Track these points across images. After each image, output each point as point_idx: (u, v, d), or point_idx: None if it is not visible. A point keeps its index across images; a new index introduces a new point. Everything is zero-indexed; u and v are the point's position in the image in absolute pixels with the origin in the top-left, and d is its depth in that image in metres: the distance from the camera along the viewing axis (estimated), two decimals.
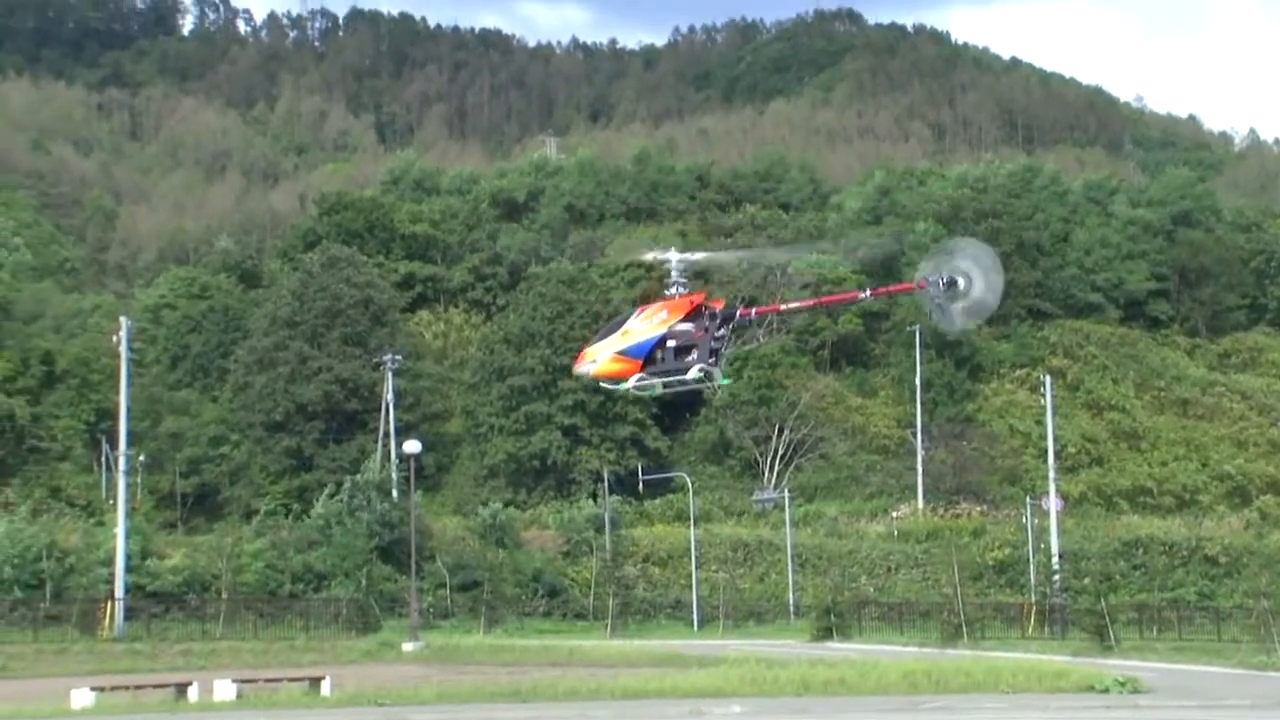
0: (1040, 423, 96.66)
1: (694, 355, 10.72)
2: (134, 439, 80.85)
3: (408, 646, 64.37)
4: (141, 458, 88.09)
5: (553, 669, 51.26)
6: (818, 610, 78.30)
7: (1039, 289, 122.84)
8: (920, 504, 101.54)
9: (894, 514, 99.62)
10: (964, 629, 70.21)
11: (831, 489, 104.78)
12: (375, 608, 76.44)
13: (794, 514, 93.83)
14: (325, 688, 42.02)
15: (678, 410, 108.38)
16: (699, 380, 11.03)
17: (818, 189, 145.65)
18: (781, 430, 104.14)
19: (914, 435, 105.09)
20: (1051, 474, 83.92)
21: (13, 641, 65.14)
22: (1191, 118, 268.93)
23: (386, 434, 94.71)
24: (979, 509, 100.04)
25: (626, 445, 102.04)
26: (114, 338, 79.51)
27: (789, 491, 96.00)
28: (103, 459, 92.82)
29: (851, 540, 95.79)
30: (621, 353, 11.08)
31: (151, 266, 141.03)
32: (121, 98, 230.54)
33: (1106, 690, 41.36)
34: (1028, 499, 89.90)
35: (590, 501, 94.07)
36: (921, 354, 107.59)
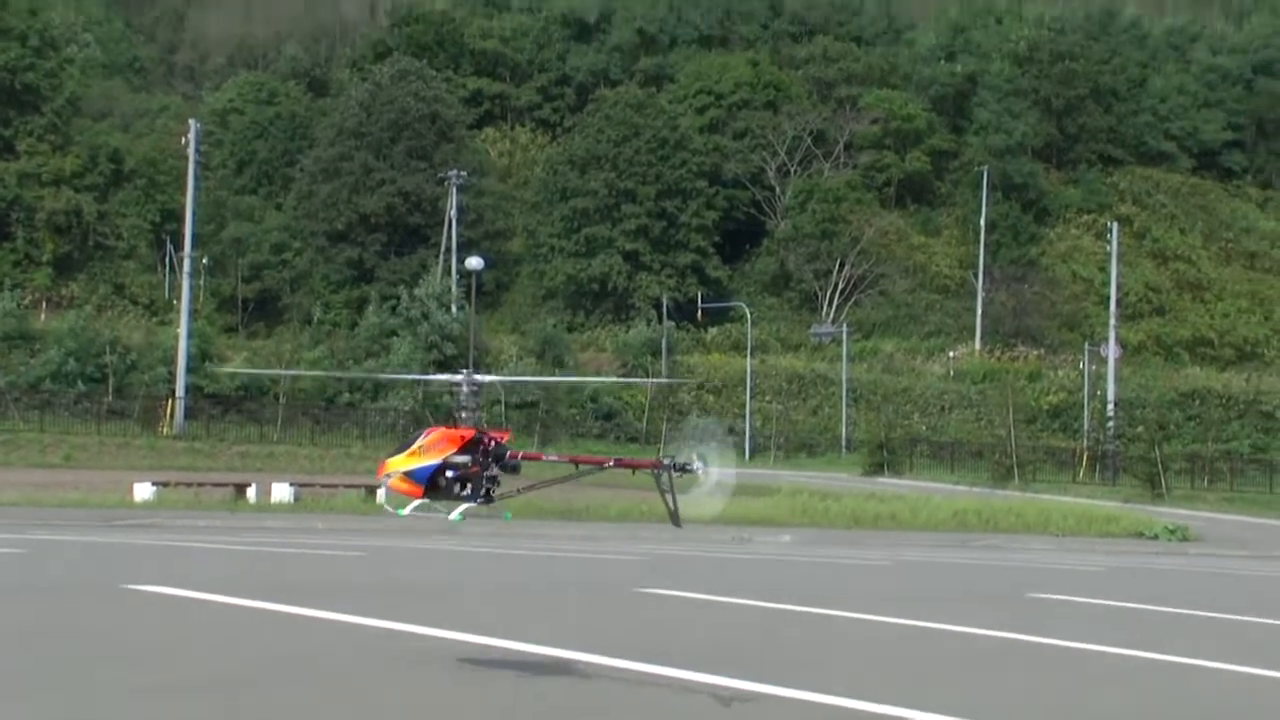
0: (1104, 269, 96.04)
1: (469, 490, 10.49)
2: (198, 241, 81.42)
3: None
4: (205, 260, 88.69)
5: (605, 490, 51.76)
6: (870, 445, 78.77)
7: (1111, 135, 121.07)
8: (978, 345, 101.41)
9: (951, 354, 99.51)
10: (1015, 471, 70.60)
11: (889, 326, 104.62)
12: (431, 420, 77.08)
13: (851, 349, 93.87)
14: (380, 496, 42.48)
15: (739, 240, 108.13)
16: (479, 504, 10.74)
17: (892, 24, 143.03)
18: (843, 265, 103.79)
19: (975, 276, 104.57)
20: (1113, 321, 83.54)
21: (76, 433, 66.55)
22: None
23: (448, 249, 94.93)
24: (1036, 353, 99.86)
25: (687, 273, 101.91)
26: (182, 139, 79.76)
27: (847, 326, 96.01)
28: (167, 260, 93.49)
29: (907, 378, 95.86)
30: (408, 474, 10.76)
31: (220, 70, 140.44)
32: None
33: (1155, 537, 41.68)
34: (1086, 345, 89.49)
35: (646, 326, 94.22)
36: (988, 195, 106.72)
